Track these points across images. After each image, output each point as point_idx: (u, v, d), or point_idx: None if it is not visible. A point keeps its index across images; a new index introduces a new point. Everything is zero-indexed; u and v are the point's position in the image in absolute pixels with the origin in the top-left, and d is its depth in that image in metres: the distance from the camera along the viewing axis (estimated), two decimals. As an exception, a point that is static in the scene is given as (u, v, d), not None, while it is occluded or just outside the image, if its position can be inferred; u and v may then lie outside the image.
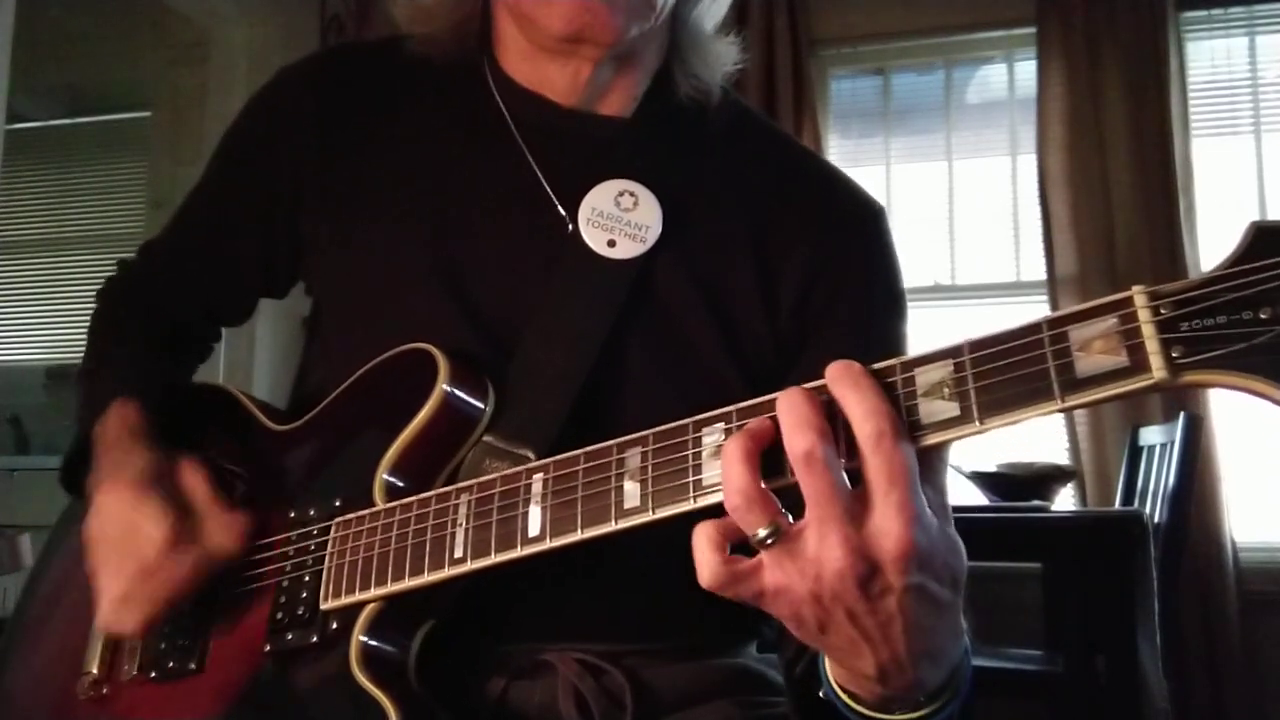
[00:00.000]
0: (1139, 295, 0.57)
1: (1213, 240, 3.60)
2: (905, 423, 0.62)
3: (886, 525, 0.61)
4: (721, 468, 0.64)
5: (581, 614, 0.90)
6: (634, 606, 0.92)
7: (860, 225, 1.02)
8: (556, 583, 0.85)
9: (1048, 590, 3.01)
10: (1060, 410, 0.58)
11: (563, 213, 0.96)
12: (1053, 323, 0.60)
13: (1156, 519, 2.70)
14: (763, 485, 0.63)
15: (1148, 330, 0.56)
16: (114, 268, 1.16)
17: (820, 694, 0.74)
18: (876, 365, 0.65)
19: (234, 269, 1.10)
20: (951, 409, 0.62)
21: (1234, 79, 3.80)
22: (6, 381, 4.62)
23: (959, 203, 3.98)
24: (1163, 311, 0.56)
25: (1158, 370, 0.56)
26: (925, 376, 0.63)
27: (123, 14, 4.34)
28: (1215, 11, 3.76)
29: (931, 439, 0.62)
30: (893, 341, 1.00)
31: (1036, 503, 2.74)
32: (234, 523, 0.87)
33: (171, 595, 0.85)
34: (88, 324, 1.13)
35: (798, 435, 0.62)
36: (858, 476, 0.63)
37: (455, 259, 0.96)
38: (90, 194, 4.79)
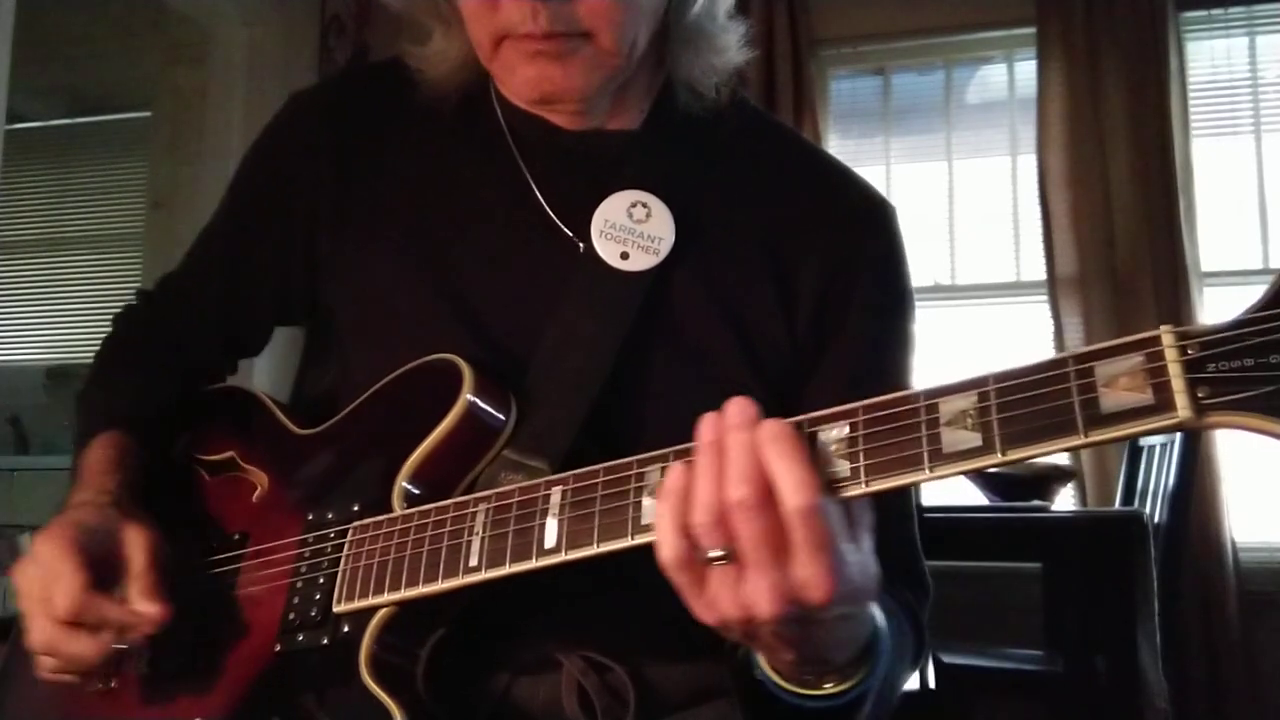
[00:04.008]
0: (1166, 335, 0.58)
1: (1213, 240, 3.61)
2: (829, 482, 0.66)
3: (814, 579, 0.65)
4: (698, 480, 0.67)
5: (587, 612, 0.91)
6: (639, 606, 0.91)
7: (872, 226, 1.02)
8: (563, 582, 0.85)
9: (1048, 590, 3.02)
10: (1083, 446, 0.59)
11: (569, 234, 0.96)
12: (1079, 358, 0.60)
13: (1156, 519, 2.70)
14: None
15: (1174, 369, 0.57)
16: (133, 297, 1.16)
17: (755, 675, 0.79)
18: (901, 394, 0.66)
19: (254, 302, 1.10)
20: (974, 439, 0.62)
21: (1234, 79, 3.80)
22: (6, 381, 4.61)
23: (959, 203, 3.97)
24: (1190, 352, 0.57)
25: (1183, 410, 0.56)
26: (949, 405, 0.64)
27: (123, 14, 4.33)
28: (1215, 11, 3.76)
29: (952, 469, 0.63)
30: (903, 342, 1.00)
31: (1036, 503, 2.74)
32: (154, 592, 0.86)
33: (84, 656, 0.85)
34: (98, 346, 1.13)
35: (733, 485, 0.65)
36: None
37: (461, 284, 0.96)
38: (90, 194, 4.78)
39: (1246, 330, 0.56)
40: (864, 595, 0.69)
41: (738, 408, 0.68)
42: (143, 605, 0.85)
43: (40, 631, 0.85)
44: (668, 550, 0.68)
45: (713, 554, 0.66)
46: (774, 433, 0.66)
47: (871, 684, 0.76)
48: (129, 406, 1.03)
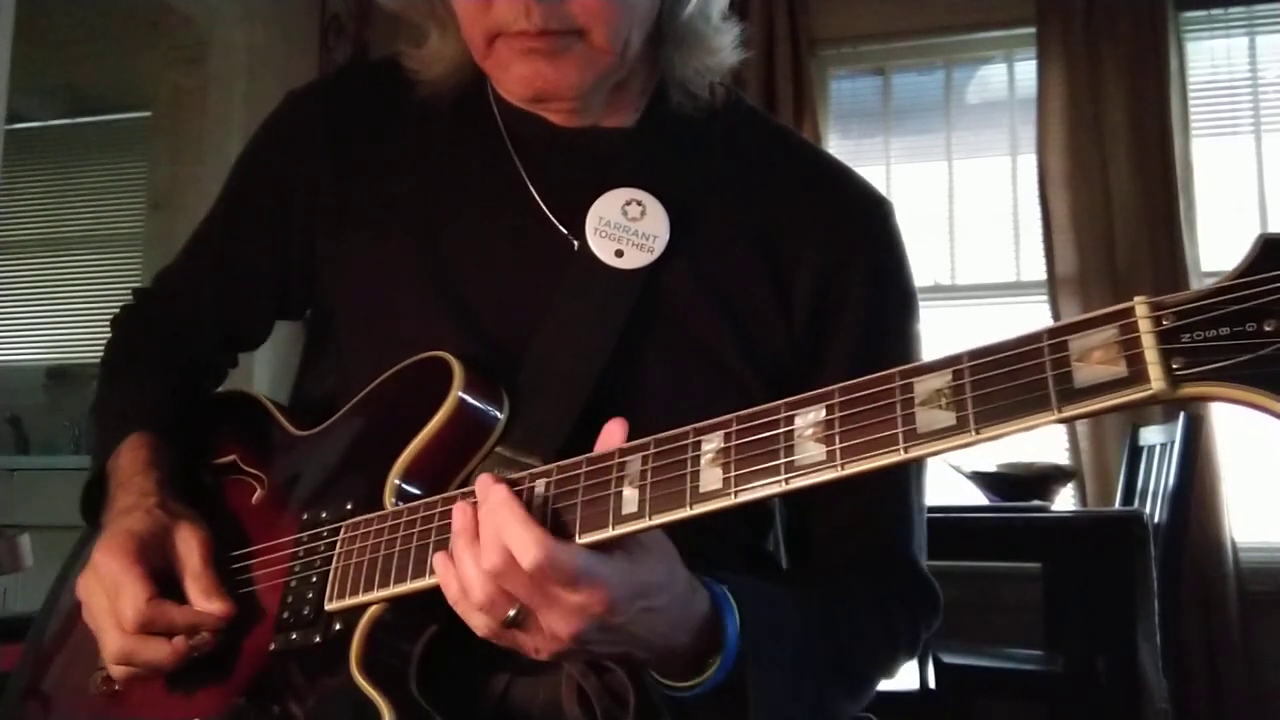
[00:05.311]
0: (1140, 305, 0.56)
1: (1213, 240, 3.60)
2: (560, 528, 0.71)
3: (588, 600, 0.70)
4: (460, 566, 0.73)
5: None
6: None
7: (869, 223, 1.01)
8: None
9: (1048, 590, 3.01)
10: (1057, 421, 0.57)
11: (564, 231, 0.96)
12: (1053, 332, 0.59)
13: (1156, 519, 2.70)
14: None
15: (1148, 340, 0.55)
16: (129, 295, 1.17)
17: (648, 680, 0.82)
18: (877, 375, 0.65)
19: (252, 297, 1.11)
20: (948, 418, 0.61)
21: (1234, 79, 3.79)
22: (6, 381, 4.62)
23: (959, 203, 3.97)
24: (1164, 322, 0.55)
25: (1156, 381, 0.55)
26: (923, 385, 0.63)
27: (123, 14, 4.34)
28: (1215, 11, 3.76)
29: (927, 449, 0.62)
30: (906, 340, 1.00)
31: (1036, 503, 2.73)
32: (215, 590, 0.89)
33: (160, 661, 0.87)
34: (102, 351, 1.14)
35: (485, 558, 0.71)
36: None
37: (458, 281, 0.96)
38: (90, 194, 4.78)
39: (1223, 298, 0.54)
40: (655, 588, 0.73)
41: (479, 485, 0.74)
42: (205, 604, 0.88)
43: (113, 643, 0.86)
44: (481, 631, 0.74)
45: (510, 615, 0.72)
46: (494, 502, 0.71)
47: (739, 652, 0.77)
48: (148, 407, 1.04)
